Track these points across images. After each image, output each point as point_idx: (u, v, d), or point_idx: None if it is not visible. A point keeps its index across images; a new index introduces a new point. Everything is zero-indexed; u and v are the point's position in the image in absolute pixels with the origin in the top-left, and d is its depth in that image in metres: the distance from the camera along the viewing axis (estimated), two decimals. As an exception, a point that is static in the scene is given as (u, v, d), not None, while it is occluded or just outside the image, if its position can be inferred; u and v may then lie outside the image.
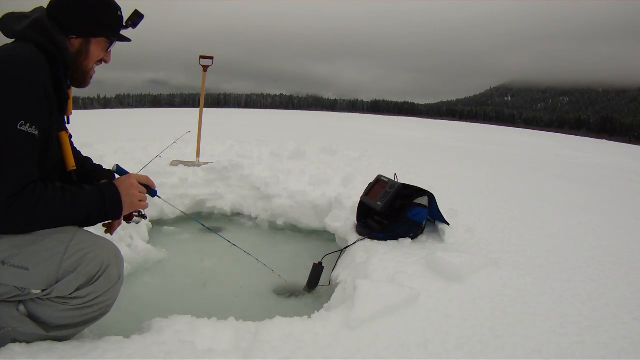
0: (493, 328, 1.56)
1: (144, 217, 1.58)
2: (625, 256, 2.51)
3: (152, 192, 1.49)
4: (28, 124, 1.12)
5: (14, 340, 1.25)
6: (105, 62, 1.45)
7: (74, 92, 1.48)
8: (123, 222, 1.54)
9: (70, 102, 1.38)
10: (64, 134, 1.37)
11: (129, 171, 1.55)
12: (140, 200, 1.39)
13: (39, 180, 1.17)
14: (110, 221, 1.48)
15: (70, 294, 1.24)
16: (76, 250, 1.24)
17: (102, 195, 1.29)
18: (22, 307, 1.25)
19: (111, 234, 1.54)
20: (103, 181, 1.45)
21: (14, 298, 1.23)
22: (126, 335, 1.36)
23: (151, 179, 1.48)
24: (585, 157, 11.34)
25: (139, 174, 1.48)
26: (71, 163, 1.41)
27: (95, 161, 1.70)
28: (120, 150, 5.13)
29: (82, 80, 1.41)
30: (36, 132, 1.15)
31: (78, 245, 1.25)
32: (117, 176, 1.57)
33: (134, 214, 1.52)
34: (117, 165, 1.58)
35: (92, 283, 1.25)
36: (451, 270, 1.94)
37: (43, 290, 1.22)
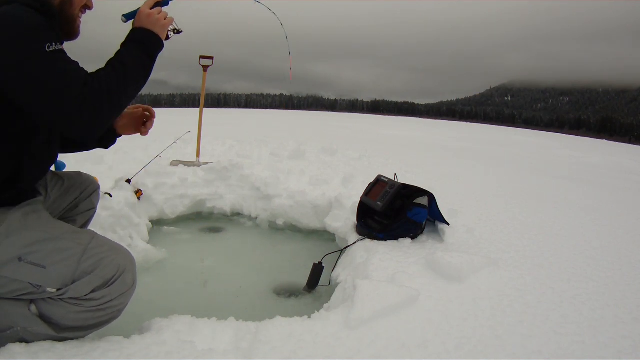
0: (493, 328, 1.56)
1: (179, 31, 1.55)
2: (625, 256, 2.51)
3: (165, 3, 1.48)
4: (53, 43, 1.14)
5: (21, 340, 1.25)
6: (89, 8, 1.44)
7: None
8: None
9: None
10: None
11: (135, 10, 1.49)
12: (164, 19, 1.40)
13: (91, 73, 1.20)
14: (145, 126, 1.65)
15: (85, 295, 1.24)
16: (94, 253, 1.26)
17: (138, 43, 1.31)
18: (33, 307, 1.26)
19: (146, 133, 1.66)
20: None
21: (26, 296, 1.24)
22: (126, 335, 1.36)
23: None
24: (585, 156, 11.34)
25: (144, 7, 1.42)
26: None
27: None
28: (120, 150, 5.12)
29: (71, 29, 1.38)
30: (62, 47, 1.18)
31: (96, 249, 1.27)
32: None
33: (168, 33, 1.50)
34: (123, 15, 1.50)
35: (108, 286, 1.26)
36: (451, 270, 1.94)
37: (58, 290, 1.22)
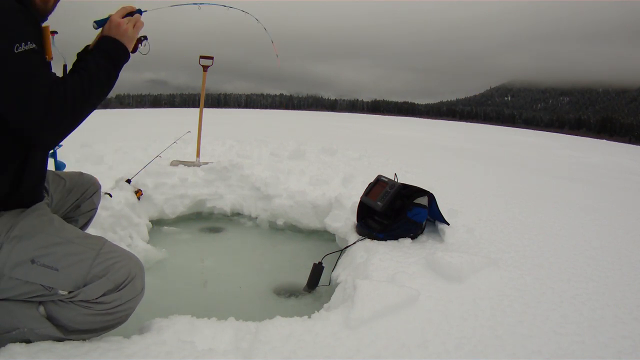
0: (493, 328, 1.56)
1: (145, 38, 1.53)
2: (625, 256, 2.51)
3: (138, 12, 1.47)
4: (23, 43, 1.12)
5: (28, 341, 1.25)
6: None
7: None
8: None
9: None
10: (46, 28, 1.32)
11: (106, 17, 1.47)
12: (133, 28, 1.40)
13: (57, 79, 1.19)
14: None
15: (96, 299, 1.26)
16: (106, 258, 1.28)
17: (104, 53, 1.31)
18: (41, 309, 1.27)
19: None
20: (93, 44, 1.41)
21: (37, 298, 1.24)
22: (126, 335, 1.37)
23: (127, 5, 1.45)
24: (585, 156, 11.33)
25: (115, 15, 1.41)
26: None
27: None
28: (120, 150, 5.13)
29: (43, 5, 1.32)
30: (34, 45, 1.14)
31: (108, 254, 1.29)
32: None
33: (137, 45, 1.49)
34: (94, 21, 1.48)
35: (119, 290, 1.28)
36: (451, 270, 1.94)
37: (70, 292, 1.24)
